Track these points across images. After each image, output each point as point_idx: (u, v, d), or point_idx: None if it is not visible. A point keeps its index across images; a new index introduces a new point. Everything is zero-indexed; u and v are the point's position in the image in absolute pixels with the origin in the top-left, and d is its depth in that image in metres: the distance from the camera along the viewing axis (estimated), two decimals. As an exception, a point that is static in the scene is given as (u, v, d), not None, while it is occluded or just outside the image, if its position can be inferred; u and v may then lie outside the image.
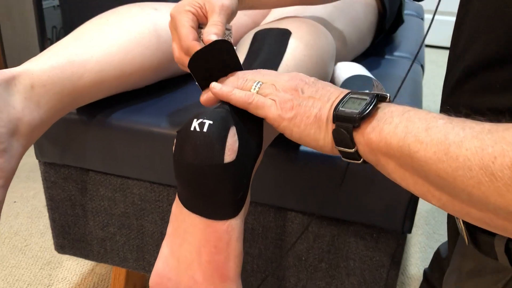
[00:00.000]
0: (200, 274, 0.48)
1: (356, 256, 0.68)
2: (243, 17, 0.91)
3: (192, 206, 0.48)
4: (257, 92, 0.48)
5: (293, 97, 0.47)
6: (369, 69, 0.85)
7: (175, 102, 0.76)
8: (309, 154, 0.64)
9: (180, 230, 0.49)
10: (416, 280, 1.17)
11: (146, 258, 0.81)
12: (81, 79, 0.65)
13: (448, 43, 2.66)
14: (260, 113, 0.48)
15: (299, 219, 0.69)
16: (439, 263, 0.75)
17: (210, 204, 0.47)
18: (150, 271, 0.83)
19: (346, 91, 0.46)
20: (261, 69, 0.53)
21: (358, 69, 0.78)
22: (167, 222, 0.77)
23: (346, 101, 0.44)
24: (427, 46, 2.98)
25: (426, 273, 0.80)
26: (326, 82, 0.49)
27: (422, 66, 1.06)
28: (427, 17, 2.40)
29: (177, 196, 0.50)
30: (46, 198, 0.82)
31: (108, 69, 0.67)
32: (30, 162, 1.56)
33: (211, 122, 0.46)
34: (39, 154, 0.77)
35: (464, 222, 0.54)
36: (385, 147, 0.40)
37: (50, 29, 2.20)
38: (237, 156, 0.46)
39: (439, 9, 2.70)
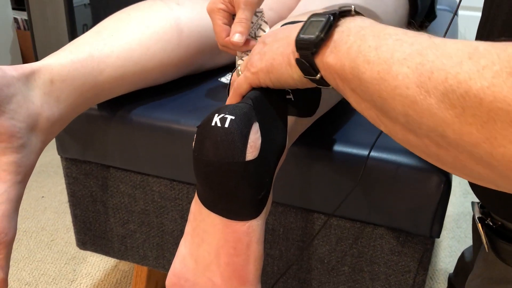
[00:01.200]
0: (219, 276, 0.46)
1: (381, 260, 0.65)
2: (268, 12, 0.88)
3: (211, 205, 0.46)
4: (241, 72, 0.50)
5: (259, 51, 0.47)
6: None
7: (196, 98, 0.74)
8: (333, 152, 0.61)
9: (199, 229, 0.48)
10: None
11: (166, 256, 0.80)
12: (102, 74, 0.64)
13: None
14: (244, 88, 0.49)
15: (321, 220, 0.67)
16: (463, 267, 0.72)
17: (230, 203, 0.45)
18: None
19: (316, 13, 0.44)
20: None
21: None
22: (186, 221, 0.75)
23: (307, 26, 0.42)
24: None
25: (450, 278, 0.77)
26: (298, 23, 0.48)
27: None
28: (462, 13, 2.33)
29: (196, 194, 0.48)
30: (68, 194, 0.82)
31: (129, 64, 0.67)
32: (58, 158, 1.58)
33: (233, 117, 0.44)
34: (60, 150, 0.77)
35: (483, 227, 0.51)
36: (341, 70, 0.38)
37: (80, 27, 2.23)
38: (259, 154, 0.44)
39: (471, 5, 2.62)
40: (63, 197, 1.42)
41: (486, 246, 0.51)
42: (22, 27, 2.19)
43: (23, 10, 2.14)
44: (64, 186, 1.47)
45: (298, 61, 0.43)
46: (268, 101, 0.49)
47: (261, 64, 0.46)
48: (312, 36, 0.40)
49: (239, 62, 0.77)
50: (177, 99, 0.74)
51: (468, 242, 1.29)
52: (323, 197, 0.64)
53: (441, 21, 1.21)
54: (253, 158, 0.44)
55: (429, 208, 0.59)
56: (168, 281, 0.49)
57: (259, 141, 0.44)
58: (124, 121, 0.71)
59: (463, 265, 0.72)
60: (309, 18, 0.43)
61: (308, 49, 0.40)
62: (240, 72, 0.51)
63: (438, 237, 0.61)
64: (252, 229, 0.45)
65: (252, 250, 0.45)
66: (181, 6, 0.75)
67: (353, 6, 0.42)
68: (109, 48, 0.65)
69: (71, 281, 1.11)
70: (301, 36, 0.41)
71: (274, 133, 0.47)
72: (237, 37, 0.60)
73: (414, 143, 0.36)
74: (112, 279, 1.12)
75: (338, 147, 0.61)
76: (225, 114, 0.44)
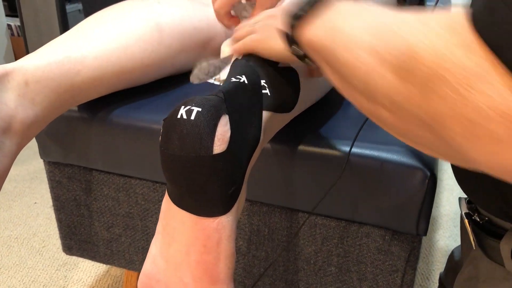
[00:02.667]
0: (189, 276, 0.45)
1: (368, 260, 0.64)
2: (251, 9, 0.87)
3: (180, 202, 0.44)
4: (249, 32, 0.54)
5: (266, 22, 0.53)
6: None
7: (179, 98, 0.73)
8: (315, 149, 0.60)
9: (169, 228, 0.46)
10: (443, 286, 1.11)
11: (152, 260, 0.79)
12: (78, 75, 0.63)
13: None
14: (246, 49, 0.54)
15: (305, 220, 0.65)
16: (452, 266, 0.70)
17: (199, 199, 0.43)
18: (157, 273, 0.80)
19: None
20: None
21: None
22: (171, 223, 0.74)
23: (299, 3, 0.42)
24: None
25: (440, 278, 0.75)
26: None
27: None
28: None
29: (166, 192, 0.47)
30: (52, 198, 0.81)
31: (107, 65, 0.65)
32: (51, 164, 1.57)
33: (200, 109, 0.42)
34: (42, 153, 0.76)
35: (470, 223, 0.50)
36: (319, 46, 0.39)
37: (75, 32, 2.22)
38: (228, 147, 0.43)
39: None
40: (56, 203, 1.41)
41: (473, 243, 0.50)
42: (16, 34, 2.19)
43: (17, 16, 2.14)
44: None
45: (283, 34, 0.45)
46: (241, 95, 0.48)
47: (260, 35, 0.52)
48: (296, 11, 0.41)
49: (225, 49, 0.76)
50: (159, 99, 0.73)
51: None
52: (308, 196, 0.62)
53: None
54: (221, 151, 0.42)
55: (414, 204, 0.57)
56: (139, 282, 0.48)
57: (228, 134, 0.43)
58: (105, 123, 0.70)
59: (453, 264, 0.70)
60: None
61: (290, 23, 0.42)
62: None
63: (425, 234, 0.60)
64: (222, 226, 0.44)
65: (223, 247, 0.44)
66: (162, 4, 0.74)
67: None
68: (86, 49, 0.64)
69: (62, 288, 1.09)
70: (292, 10, 0.42)
71: (247, 127, 0.46)
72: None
73: (371, 111, 0.36)
74: (104, 284, 1.10)
75: (320, 144, 0.60)
76: (192, 106, 0.42)
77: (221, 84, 0.70)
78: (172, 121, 0.43)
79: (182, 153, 0.42)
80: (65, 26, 1.98)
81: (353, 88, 0.36)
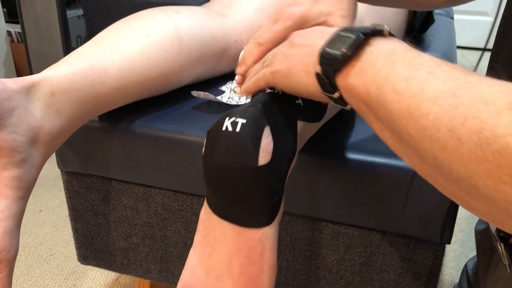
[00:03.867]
0: (231, 287, 0.45)
1: (391, 268, 0.64)
2: (266, 19, 0.88)
3: (223, 212, 0.45)
4: (265, 65, 0.49)
5: (284, 50, 0.46)
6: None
7: (198, 108, 0.73)
8: (341, 160, 0.60)
9: (209, 238, 0.46)
10: (451, 291, 1.12)
11: (170, 269, 0.79)
12: (103, 85, 0.63)
13: (475, 44, 2.56)
14: (261, 84, 0.49)
15: (329, 228, 0.66)
16: (467, 280, 0.71)
17: (243, 210, 0.43)
18: (174, 282, 0.80)
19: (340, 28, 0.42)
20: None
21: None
22: (191, 232, 0.74)
23: (334, 39, 0.39)
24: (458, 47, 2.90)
25: None
26: (330, 28, 0.45)
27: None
28: (457, 17, 2.34)
29: (205, 202, 0.47)
30: (69, 208, 0.81)
31: (130, 75, 0.65)
32: (55, 171, 1.56)
33: (244, 121, 0.43)
34: (61, 163, 0.76)
35: (505, 246, 0.50)
36: (365, 95, 0.36)
37: (74, 38, 2.22)
38: (272, 158, 0.43)
39: (469, 8, 2.63)
40: (61, 210, 1.40)
41: (508, 268, 0.49)
42: (15, 40, 2.18)
43: (17, 23, 2.13)
44: (62, 199, 1.45)
45: (318, 76, 0.41)
46: (277, 106, 0.48)
47: (281, 66, 0.45)
48: (338, 52, 0.38)
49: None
50: (179, 109, 0.73)
51: (471, 245, 1.28)
52: (331, 206, 0.63)
53: (439, 26, 1.21)
54: (265, 163, 0.43)
55: (440, 213, 0.58)
56: None
57: (271, 145, 0.43)
58: (126, 133, 0.70)
59: (467, 277, 0.71)
60: (338, 30, 0.41)
61: (331, 66, 0.39)
62: (264, 63, 0.50)
63: (449, 243, 0.60)
64: (265, 237, 0.44)
65: (266, 258, 0.44)
66: (180, 14, 0.74)
67: (386, 26, 0.40)
68: (110, 59, 0.64)
69: (72, 297, 1.09)
70: (326, 49, 0.39)
71: (285, 137, 0.46)
72: None
73: (442, 184, 0.34)
74: (114, 293, 1.10)
75: (346, 154, 0.61)
76: (236, 118, 0.43)
77: (222, 99, 0.70)
78: (217, 133, 0.43)
79: (227, 165, 0.42)
80: (66, 32, 1.98)
81: (416, 155, 0.34)
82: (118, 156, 0.72)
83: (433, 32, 1.16)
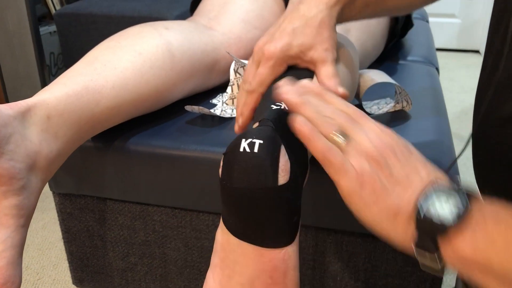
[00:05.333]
0: None
1: (395, 273, 0.65)
2: (253, 30, 0.88)
3: (243, 234, 0.44)
4: (336, 141, 0.40)
5: (375, 173, 0.38)
6: (387, 76, 0.83)
7: (192, 122, 0.73)
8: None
9: (228, 260, 0.46)
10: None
11: (169, 287, 0.78)
12: (98, 105, 0.62)
13: (444, 45, 2.62)
14: (330, 172, 0.40)
15: (332, 237, 0.66)
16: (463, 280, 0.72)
17: (264, 231, 0.43)
18: (175, 300, 0.79)
19: (430, 179, 0.38)
20: (348, 104, 0.44)
21: (379, 76, 0.76)
22: (191, 249, 0.73)
23: (431, 195, 0.36)
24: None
25: None
26: (414, 153, 0.40)
27: (437, 69, 1.04)
28: (431, 20, 2.39)
29: (222, 224, 0.47)
30: (62, 230, 0.79)
31: (124, 94, 0.65)
32: (36, 192, 1.52)
33: (262, 141, 0.42)
34: (53, 185, 0.74)
35: None
36: (483, 263, 0.33)
37: (48, 55, 2.18)
38: (290, 177, 0.43)
39: (438, 11, 2.70)
40: (46, 232, 1.36)
41: None
42: (-14, 59, 2.12)
43: (-13, 41, 2.08)
44: (46, 221, 1.41)
45: (418, 238, 0.36)
46: (286, 122, 0.48)
47: (368, 195, 0.38)
48: (445, 216, 0.34)
49: (233, 80, 0.77)
50: (173, 125, 0.72)
51: None
52: (333, 215, 0.63)
53: (416, 30, 1.23)
54: (285, 182, 0.42)
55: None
56: None
57: (289, 164, 0.43)
58: (121, 151, 0.69)
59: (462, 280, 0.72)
60: (431, 187, 0.36)
61: (437, 229, 0.35)
62: (336, 137, 0.41)
63: (451, 244, 0.61)
64: (288, 256, 0.44)
65: (290, 277, 0.44)
66: (170, 30, 0.74)
67: (477, 193, 0.36)
68: (103, 78, 0.63)
69: (64, 321, 1.06)
70: (426, 208, 0.35)
71: (298, 154, 0.46)
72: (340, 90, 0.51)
73: None
74: (107, 314, 1.08)
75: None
76: (253, 139, 0.43)
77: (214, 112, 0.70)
78: (235, 155, 0.43)
79: (247, 186, 0.42)
80: (40, 49, 1.94)
81: None
82: (113, 176, 0.71)
83: (412, 37, 1.18)
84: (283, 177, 0.42)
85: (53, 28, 2.21)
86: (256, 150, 0.42)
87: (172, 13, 1.86)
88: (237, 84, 0.78)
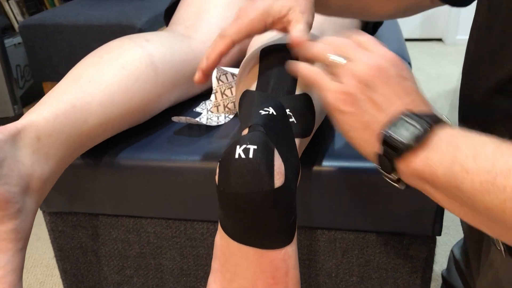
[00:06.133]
0: None
1: (388, 265, 0.67)
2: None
3: (242, 237, 0.46)
4: (329, 63, 0.46)
5: (358, 91, 0.43)
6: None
7: (180, 132, 0.74)
8: (334, 169, 0.63)
9: (229, 264, 0.47)
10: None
11: (167, 296, 0.78)
12: (86, 123, 0.62)
13: (410, 35, 2.68)
14: (317, 91, 0.47)
15: (325, 236, 0.68)
16: (456, 265, 0.75)
17: (264, 233, 0.45)
18: (172, 309, 0.80)
19: (404, 108, 0.42)
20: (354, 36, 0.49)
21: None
22: (186, 258, 0.74)
23: (398, 124, 0.41)
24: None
25: (443, 276, 0.80)
26: (408, 79, 0.45)
27: (410, 64, 1.07)
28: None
29: (220, 229, 0.48)
30: (54, 249, 0.78)
31: (111, 110, 0.65)
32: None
33: (256, 147, 0.44)
34: (43, 205, 0.74)
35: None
36: (431, 177, 0.39)
37: (14, 67, 2.13)
38: (285, 179, 0.45)
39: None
40: (29, 250, 1.34)
41: (504, 254, 0.53)
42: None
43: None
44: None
45: (379, 156, 0.42)
46: (275, 126, 0.50)
47: (346, 109, 0.44)
48: (403, 141, 0.40)
49: (215, 87, 0.78)
50: (160, 136, 0.73)
51: (451, 233, 1.32)
52: (326, 213, 0.65)
53: (385, 23, 1.26)
54: (280, 184, 0.44)
55: (430, 209, 0.61)
56: None
57: (283, 167, 0.45)
58: (111, 167, 0.69)
59: (455, 262, 0.75)
60: (401, 114, 0.41)
61: (394, 151, 0.40)
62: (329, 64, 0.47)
63: (440, 234, 0.64)
64: (288, 256, 0.45)
65: (291, 276, 0.45)
66: (150, 42, 0.74)
67: (444, 117, 0.41)
68: (89, 95, 0.63)
69: (57, 338, 1.05)
70: (390, 133, 0.41)
71: (290, 156, 0.48)
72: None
73: (497, 233, 0.37)
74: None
75: (334, 162, 0.63)
76: (247, 145, 0.44)
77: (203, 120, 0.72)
78: (230, 161, 0.44)
79: (245, 191, 0.43)
80: (6, 62, 1.90)
81: (495, 223, 0.36)
82: (104, 191, 0.71)
83: (382, 32, 1.21)
84: (278, 179, 0.44)
85: (17, 39, 2.17)
86: (251, 156, 0.43)
87: (141, 18, 1.85)
88: (220, 91, 0.79)
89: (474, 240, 0.67)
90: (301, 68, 0.49)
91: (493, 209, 0.35)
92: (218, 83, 0.79)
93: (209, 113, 0.79)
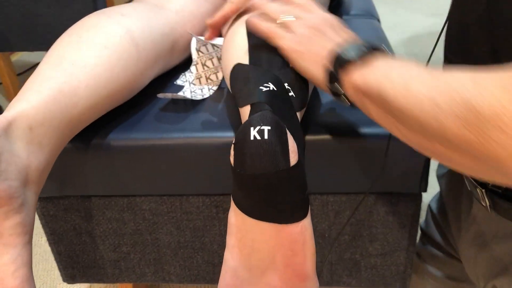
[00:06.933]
0: (277, 279, 0.49)
1: (378, 223, 0.72)
2: (204, 4, 0.87)
3: (260, 214, 0.47)
4: (282, 22, 0.55)
5: (312, 34, 0.52)
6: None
7: (165, 109, 0.73)
8: (325, 136, 0.65)
9: (246, 240, 0.49)
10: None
11: (165, 268, 0.80)
12: (75, 107, 0.61)
13: None
14: (274, 43, 0.55)
15: (318, 200, 0.71)
16: (433, 218, 0.80)
17: (282, 210, 0.47)
18: (170, 280, 0.82)
19: (356, 38, 0.51)
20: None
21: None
22: (183, 231, 0.76)
23: (346, 45, 0.48)
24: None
25: (422, 228, 0.85)
26: (349, 32, 0.53)
27: (379, 20, 1.09)
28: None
29: (234, 206, 0.49)
30: (46, 232, 0.78)
31: (99, 91, 0.63)
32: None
33: (269, 127, 0.45)
34: (33, 191, 0.72)
35: (486, 191, 0.57)
36: (365, 88, 0.45)
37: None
38: (298, 156, 0.46)
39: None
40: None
41: (489, 209, 0.57)
42: None
43: None
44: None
45: (326, 71, 0.49)
46: (276, 102, 0.51)
47: (300, 48, 0.53)
48: (348, 55, 0.47)
49: (196, 59, 0.77)
50: (147, 114, 0.72)
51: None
52: (318, 179, 0.68)
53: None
54: (295, 162, 0.46)
55: (418, 167, 0.65)
56: None
57: (295, 144, 0.46)
58: (101, 148, 0.68)
59: (432, 216, 0.80)
60: (349, 40, 0.50)
61: (342, 67, 0.47)
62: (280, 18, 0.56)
63: (426, 191, 0.68)
64: (305, 228, 0.48)
65: (308, 247, 0.48)
66: (127, 16, 0.72)
67: (385, 47, 0.49)
68: (76, 79, 0.61)
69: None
70: (341, 54, 0.48)
71: (297, 132, 0.49)
72: None
73: (425, 146, 0.41)
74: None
75: (325, 131, 0.65)
76: (261, 126, 0.45)
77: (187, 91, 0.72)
78: (246, 143, 0.45)
79: (262, 172, 0.45)
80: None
81: (406, 127, 0.41)
82: (96, 173, 0.70)
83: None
84: (293, 158, 0.46)
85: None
86: (266, 137, 0.45)
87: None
88: (201, 63, 0.79)
89: (452, 196, 0.71)
90: (259, 24, 0.57)
91: (404, 111, 0.40)
92: (198, 54, 0.78)
93: (192, 86, 0.79)
